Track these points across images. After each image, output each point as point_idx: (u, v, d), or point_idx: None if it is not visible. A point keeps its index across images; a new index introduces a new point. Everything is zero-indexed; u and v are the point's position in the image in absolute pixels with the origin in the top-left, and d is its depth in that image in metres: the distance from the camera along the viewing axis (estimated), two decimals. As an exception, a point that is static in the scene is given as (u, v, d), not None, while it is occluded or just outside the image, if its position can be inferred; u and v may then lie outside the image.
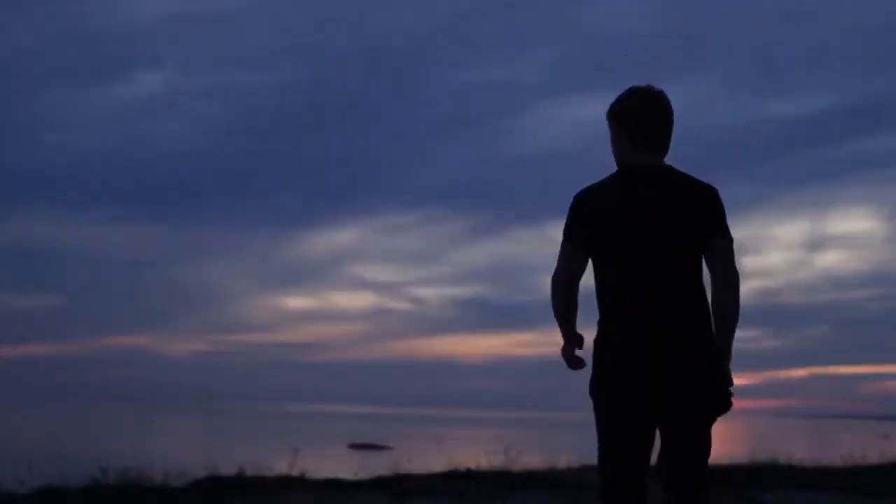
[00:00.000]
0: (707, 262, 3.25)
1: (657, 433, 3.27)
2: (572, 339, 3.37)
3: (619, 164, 3.33)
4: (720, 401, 3.21)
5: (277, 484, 9.47)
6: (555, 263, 3.37)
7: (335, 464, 20.90)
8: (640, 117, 3.26)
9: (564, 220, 3.32)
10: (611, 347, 3.22)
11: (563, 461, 13.13)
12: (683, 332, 3.18)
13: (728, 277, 3.22)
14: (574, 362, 3.37)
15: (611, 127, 3.34)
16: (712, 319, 3.25)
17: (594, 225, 3.23)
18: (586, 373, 3.38)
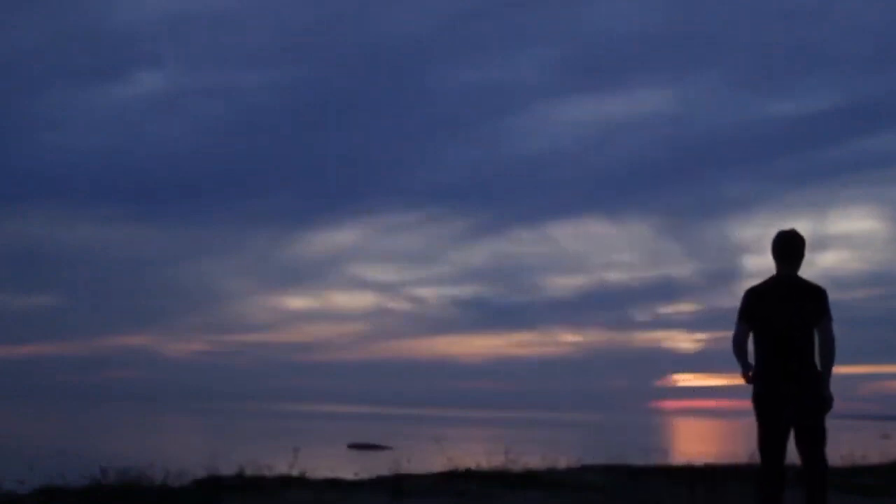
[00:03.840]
0: (816, 331, 5.80)
1: (791, 430, 5.82)
2: (746, 369, 5.91)
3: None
4: (823, 408, 5.78)
5: (277, 483, 9.47)
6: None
7: (335, 464, 20.93)
8: (780, 248, 5.98)
9: (739, 305, 5.94)
10: (763, 379, 5.84)
11: (563, 461, 13.14)
12: (803, 371, 5.78)
13: (827, 340, 5.78)
14: (748, 380, 5.90)
15: None
16: (818, 363, 5.80)
17: (755, 310, 5.88)
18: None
